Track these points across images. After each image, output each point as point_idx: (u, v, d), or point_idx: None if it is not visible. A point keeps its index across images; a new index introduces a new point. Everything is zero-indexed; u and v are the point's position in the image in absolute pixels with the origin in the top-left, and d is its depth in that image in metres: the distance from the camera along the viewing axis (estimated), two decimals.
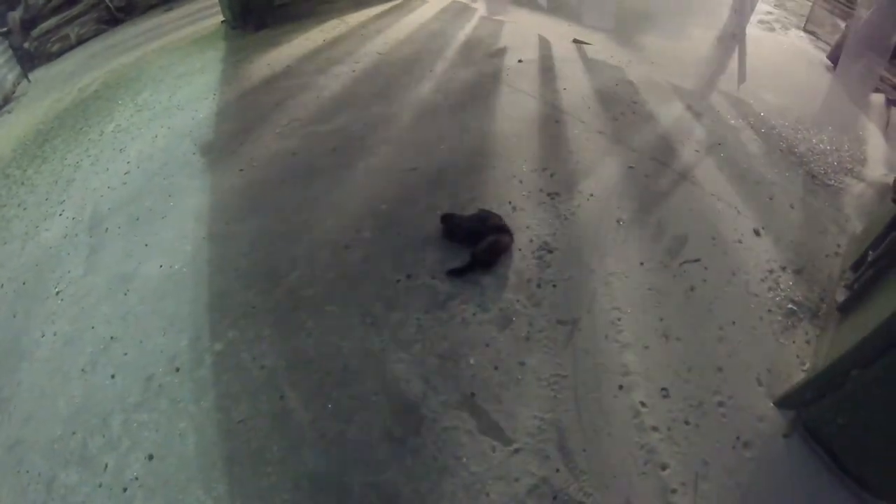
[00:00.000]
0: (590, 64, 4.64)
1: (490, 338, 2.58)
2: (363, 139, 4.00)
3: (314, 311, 2.80)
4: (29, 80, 7.15)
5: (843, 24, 4.90)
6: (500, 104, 4.21)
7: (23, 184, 4.58)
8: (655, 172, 3.41)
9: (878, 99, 4.22)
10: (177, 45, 6.49)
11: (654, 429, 2.22)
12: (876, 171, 3.49)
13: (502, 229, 2.94)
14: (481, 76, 4.63)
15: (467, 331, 2.62)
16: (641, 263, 2.87)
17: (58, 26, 7.78)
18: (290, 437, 2.31)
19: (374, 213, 3.33)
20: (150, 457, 2.35)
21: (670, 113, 3.97)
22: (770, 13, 5.58)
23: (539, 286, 2.79)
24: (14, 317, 3.23)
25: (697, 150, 3.57)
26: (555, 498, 2.06)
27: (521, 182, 3.41)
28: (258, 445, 2.30)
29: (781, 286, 2.74)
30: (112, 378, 2.70)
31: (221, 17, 6.70)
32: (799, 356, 2.45)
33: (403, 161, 3.72)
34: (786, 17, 5.50)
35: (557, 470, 2.13)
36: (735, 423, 2.23)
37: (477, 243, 2.88)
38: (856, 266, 2.57)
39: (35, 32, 7.62)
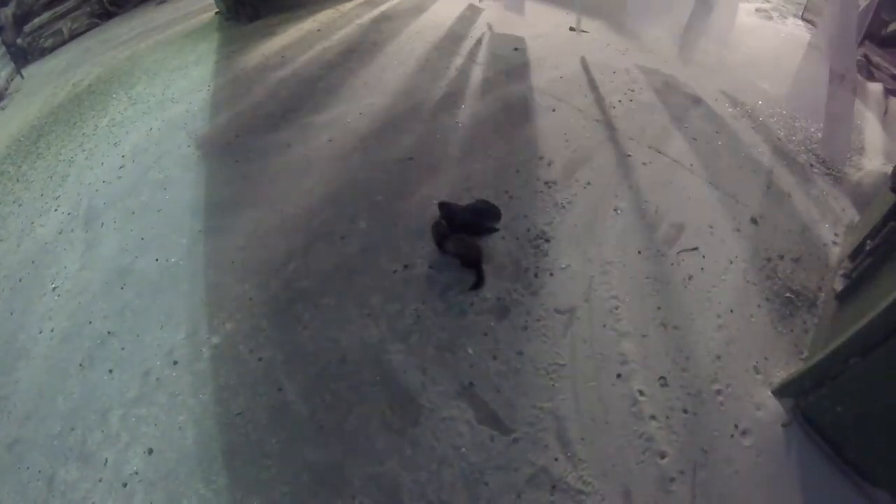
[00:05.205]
0: (586, 52, 4.60)
1: (488, 327, 2.58)
2: (357, 130, 3.98)
3: (311, 303, 2.80)
4: (22, 76, 7.09)
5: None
6: (495, 93, 4.18)
7: (18, 180, 4.56)
8: (652, 161, 3.40)
9: (875, 88, 4.19)
10: (170, 38, 6.44)
11: (653, 417, 2.23)
12: (874, 160, 3.47)
13: (461, 227, 2.91)
14: (476, 65, 4.59)
15: (465, 321, 2.61)
16: (639, 252, 2.86)
17: (50, 21, 7.71)
18: (288, 429, 2.32)
19: (370, 203, 3.31)
20: (150, 451, 2.35)
21: (667, 101, 3.94)
22: (767, 1, 5.53)
23: (536, 275, 2.78)
24: (11, 314, 3.22)
25: (695, 138, 3.55)
26: (553, 487, 2.06)
27: (517, 171, 3.39)
28: (257, 438, 2.31)
29: (779, 275, 2.73)
30: (110, 373, 2.70)
31: (215, 9, 6.64)
32: (797, 345, 2.44)
33: (399, 151, 3.70)
34: (783, 6, 5.44)
35: (556, 459, 2.13)
36: (733, 411, 2.23)
37: (474, 233, 2.91)
38: (854, 255, 2.56)
39: (27, 28, 7.55)
